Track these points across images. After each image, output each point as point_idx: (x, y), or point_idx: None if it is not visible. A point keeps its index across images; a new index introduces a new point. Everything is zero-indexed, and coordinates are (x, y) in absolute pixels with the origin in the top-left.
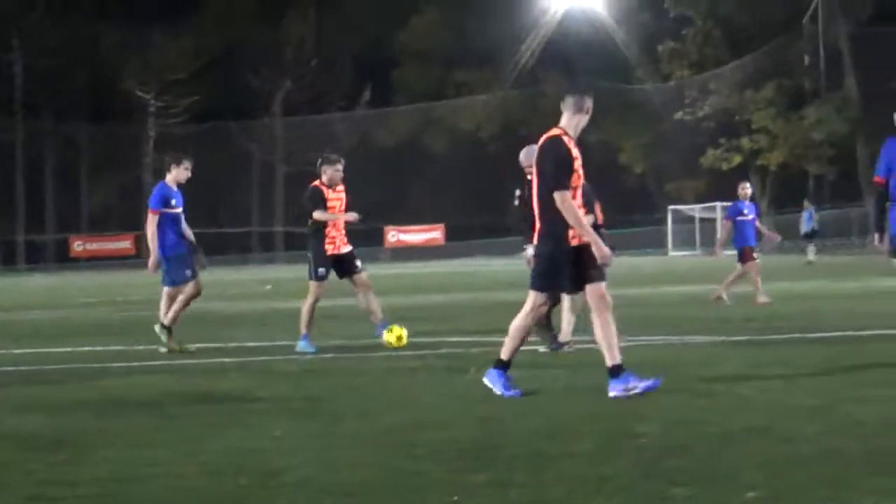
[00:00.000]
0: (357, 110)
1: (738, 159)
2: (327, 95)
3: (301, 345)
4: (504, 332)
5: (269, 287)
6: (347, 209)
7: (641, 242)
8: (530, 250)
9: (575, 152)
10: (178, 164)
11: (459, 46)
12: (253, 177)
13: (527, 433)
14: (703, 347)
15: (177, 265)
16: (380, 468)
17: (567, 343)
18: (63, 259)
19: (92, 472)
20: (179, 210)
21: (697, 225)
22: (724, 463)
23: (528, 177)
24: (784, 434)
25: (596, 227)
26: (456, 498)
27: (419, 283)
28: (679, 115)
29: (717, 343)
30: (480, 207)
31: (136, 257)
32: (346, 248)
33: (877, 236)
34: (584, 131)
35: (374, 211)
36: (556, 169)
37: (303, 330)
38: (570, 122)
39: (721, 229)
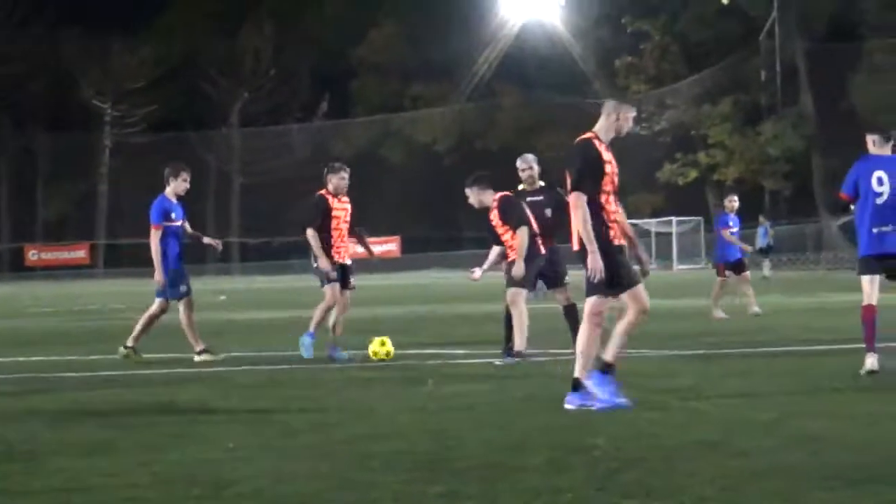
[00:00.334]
0: (314, 121)
1: (694, 174)
2: (285, 106)
3: (305, 343)
4: (460, 343)
5: (223, 298)
6: (352, 219)
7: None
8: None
9: (606, 156)
10: (177, 175)
11: (417, 59)
12: (209, 187)
13: (481, 445)
14: (656, 361)
15: (173, 280)
16: (334, 479)
17: (523, 355)
18: (18, 268)
19: (45, 482)
20: (180, 223)
21: (653, 239)
22: (677, 476)
23: (521, 185)
24: (737, 448)
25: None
26: None
27: (375, 296)
28: (636, 129)
29: (670, 357)
30: (437, 220)
31: (92, 267)
32: (348, 261)
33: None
34: (541, 145)
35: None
36: (579, 170)
37: (313, 329)
38: (604, 127)
39: (728, 238)
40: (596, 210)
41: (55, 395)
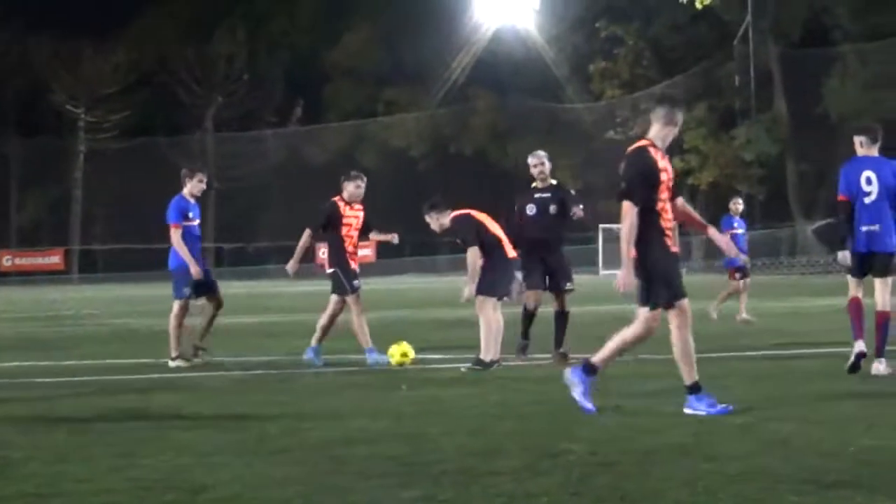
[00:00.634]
0: (288, 127)
1: None
2: (258, 112)
3: (372, 357)
4: (434, 348)
5: (199, 303)
6: (363, 227)
7: (572, 261)
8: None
9: (662, 164)
10: (192, 176)
11: (390, 64)
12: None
13: (456, 450)
14: (630, 365)
15: (179, 281)
16: (309, 484)
17: (497, 361)
18: None
19: (18, 488)
20: (196, 223)
21: None
22: (651, 481)
23: (534, 183)
24: (710, 452)
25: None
26: None
27: None
28: (610, 134)
29: (644, 361)
30: (412, 224)
31: (66, 272)
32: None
33: (843, 254)
34: (516, 150)
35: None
36: (631, 179)
37: (365, 344)
38: (659, 134)
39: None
40: (653, 219)
41: (29, 400)
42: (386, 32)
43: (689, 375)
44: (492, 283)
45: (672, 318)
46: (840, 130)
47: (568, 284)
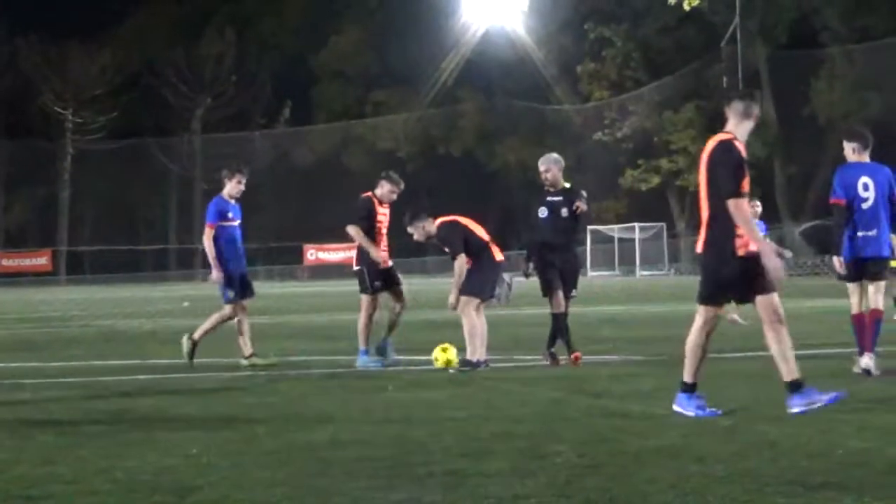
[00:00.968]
0: (276, 128)
1: (656, 180)
2: (247, 113)
3: (362, 360)
4: (419, 350)
5: (186, 304)
6: (389, 228)
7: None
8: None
9: (744, 155)
10: (232, 177)
11: (379, 65)
12: (171, 194)
13: (442, 452)
14: (618, 366)
15: (223, 284)
16: (294, 486)
17: (484, 361)
18: None
19: (4, 489)
20: (237, 223)
21: (616, 245)
22: (638, 482)
23: (545, 186)
24: (697, 454)
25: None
26: None
27: (337, 302)
28: (598, 135)
29: (632, 362)
30: (399, 226)
31: (54, 274)
32: (390, 262)
33: (837, 259)
34: (505, 151)
35: (293, 228)
36: (729, 174)
37: (362, 345)
38: (738, 128)
39: None
40: (728, 216)
41: (16, 402)
42: (375, 34)
43: (689, 374)
44: (477, 284)
45: (700, 316)
46: (828, 132)
47: (574, 292)
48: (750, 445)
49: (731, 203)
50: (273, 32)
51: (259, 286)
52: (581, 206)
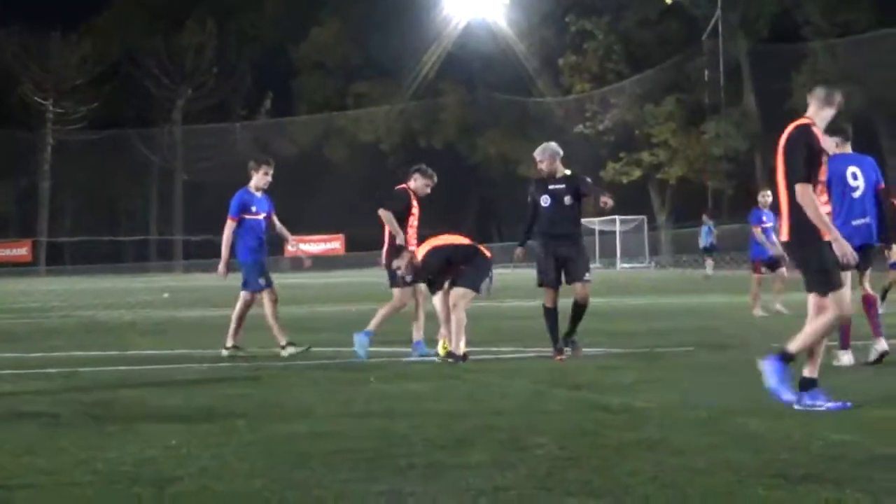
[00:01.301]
0: (257, 119)
1: (637, 173)
2: (227, 104)
3: (360, 339)
4: (402, 342)
5: (166, 295)
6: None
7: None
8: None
9: (822, 144)
10: (258, 169)
11: (360, 57)
12: (152, 185)
13: (423, 444)
14: (598, 359)
15: (252, 272)
16: (274, 478)
17: (464, 355)
18: None
19: None
20: (261, 216)
21: (597, 238)
22: (619, 475)
23: (544, 176)
24: (678, 446)
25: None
26: None
27: (319, 294)
28: (580, 128)
29: (612, 355)
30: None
31: (33, 264)
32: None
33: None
34: (486, 143)
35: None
36: (802, 159)
37: (370, 327)
38: (818, 115)
39: (757, 235)
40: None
41: None
42: (355, 26)
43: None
44: (474, 279)
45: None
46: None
47: (586, 275)
48: (730, 438)
49: (799, 188)
50: (254, 23)
51: (239, 278)
52: (608, 202)
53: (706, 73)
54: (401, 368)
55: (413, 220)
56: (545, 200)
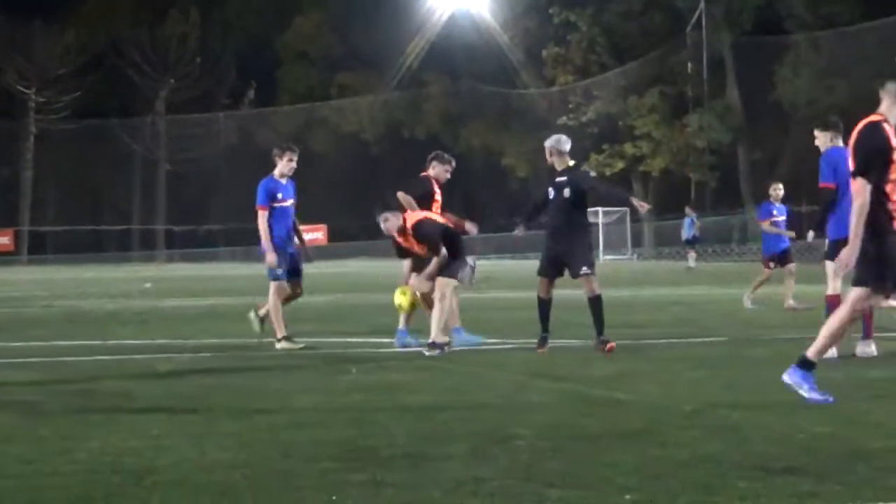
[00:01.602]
0: (241, 109)
1: (620, 165)
2: (211, 94)
3: (460, 339)
4: (384, 332)
5: (148, 285)
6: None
7: (524, 246)
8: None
9: (894, 142)
10: (283, 156)
11: (343, 47)
12: (135, 175)
13: (404, 434)
14: (579, 351)
15: (280, 261)
16: (255, 468)
17: (446, 344)
18: None
19: None
20: (288, 203)
21: None
22: (599, 466)
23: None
24: (659, 438)
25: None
26: (335, 497)
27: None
28: (563, 119)
29: (593, 346)
30: (364, 209)
31: (15, 254)
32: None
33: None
34: (469, 134)
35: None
36: (865, 155)
37: (455, 322)
38: (891, 110)
39: (766, 228)
40: (879, 199)
41: None
42: (338, 16)
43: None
44: (453, 267)
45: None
46: (792, 119)
47: (584, 269)
48: (712, 430)
49: (856, 182)
50: (237, 14)
51: (222, 267)
52: (644, 206)
53: (690, 65)
54: (381, 359)
55: (436, 207)
56: (550, 193)
